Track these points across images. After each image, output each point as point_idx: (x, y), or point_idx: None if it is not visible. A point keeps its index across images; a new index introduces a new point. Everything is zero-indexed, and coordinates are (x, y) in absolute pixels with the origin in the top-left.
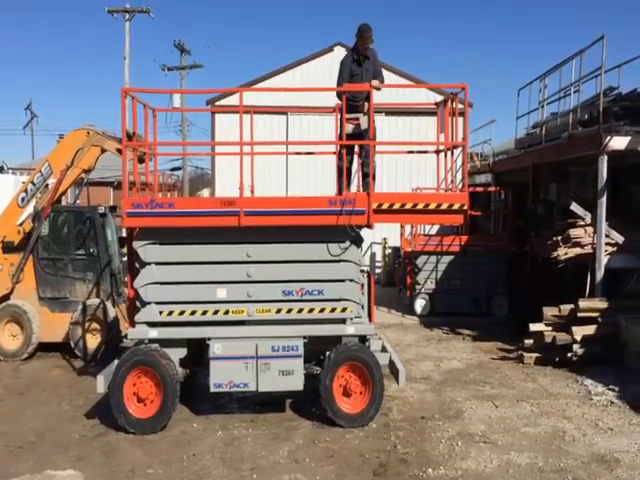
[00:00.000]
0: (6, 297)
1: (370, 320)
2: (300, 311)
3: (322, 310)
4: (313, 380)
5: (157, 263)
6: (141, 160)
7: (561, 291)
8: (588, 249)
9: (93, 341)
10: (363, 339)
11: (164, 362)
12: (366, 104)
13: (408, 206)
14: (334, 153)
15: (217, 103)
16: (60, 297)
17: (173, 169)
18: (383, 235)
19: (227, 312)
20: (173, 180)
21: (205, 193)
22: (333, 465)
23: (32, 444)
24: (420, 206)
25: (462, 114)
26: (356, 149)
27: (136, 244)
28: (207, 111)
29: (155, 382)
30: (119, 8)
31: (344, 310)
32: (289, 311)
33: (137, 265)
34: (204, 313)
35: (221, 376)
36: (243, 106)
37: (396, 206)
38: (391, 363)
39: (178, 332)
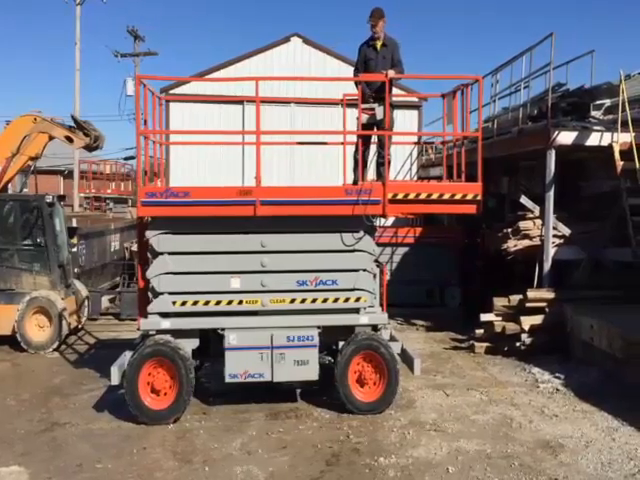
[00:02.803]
0: None
1: (382, 310)
2: (314, 301)
3: (336, 300)
4: None
5: (170, 253)
6: (92, 149)
7: (511, 282)
8: (536, 241)
9: (40, 334)
10: (375, 328)
11: (179, 353)
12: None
13: (423, 196)
14: (341, 143)
15: (171, 91)
16: (6, 289)
17: (126, 158)
18: None
19: (241, 302)
20: (127, 169)
21: (159, 183)
22: (286, 456)
23: None
24: (434, 196)
25: (418, 107)
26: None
27: (149, 234)
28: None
29: (170, 373)
30: None
31: (358, 300)
32: (303, 301)
33: (149, 255)
34: (218, 303)
35: (236, 366)
36: (259, 97)
37: (411, 196)
38: (403, 352)
39: (191, 322)
